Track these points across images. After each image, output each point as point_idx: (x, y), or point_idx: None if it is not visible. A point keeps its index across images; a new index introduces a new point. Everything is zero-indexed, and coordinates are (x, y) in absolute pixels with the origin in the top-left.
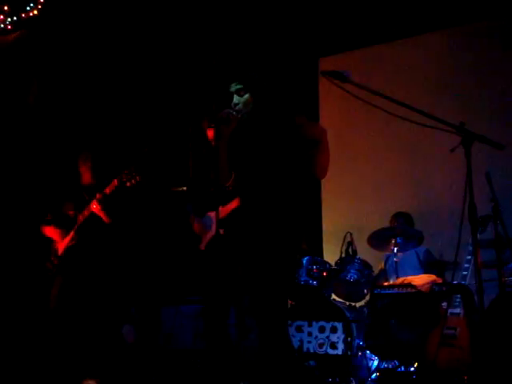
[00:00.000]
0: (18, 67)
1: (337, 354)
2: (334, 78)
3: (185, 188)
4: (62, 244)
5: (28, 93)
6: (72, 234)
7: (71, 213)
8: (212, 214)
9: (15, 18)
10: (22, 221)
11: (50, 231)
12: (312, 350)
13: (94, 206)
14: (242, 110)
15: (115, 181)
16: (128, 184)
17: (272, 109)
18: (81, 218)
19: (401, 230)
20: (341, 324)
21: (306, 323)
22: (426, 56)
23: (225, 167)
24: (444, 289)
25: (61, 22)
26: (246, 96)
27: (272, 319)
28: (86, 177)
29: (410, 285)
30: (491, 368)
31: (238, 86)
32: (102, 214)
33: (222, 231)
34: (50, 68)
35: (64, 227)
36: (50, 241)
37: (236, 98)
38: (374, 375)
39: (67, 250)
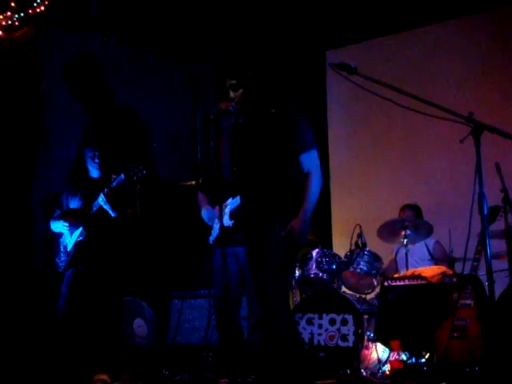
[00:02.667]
0: (26, 64)
1: (347, 346)
2: (341, 70)
3: (193, 182)
4: (70, 239)
5: (36, 90)
6: (81, 228)
7: (80, 207)
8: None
9: (22, 15)
10: (30, 216)
11: (59, 226)
12: (323, 343)
13: (102, 201)
14: (237, 104)
15: (122, 175)
16: (135, 178)
17: (265, 107)
18: (89, 212)
19: (410, 221)
20: (351, 316)
21: (316, 316)
22: (433, 47)
23: (226, 160)
24: (454, 280)
25: (66, 17)
26: (240, 91)
27: (277, 311)
28: (95, 171)
29: (420, 276)
30: (502, 359)
31: (232, 82)
32: (109, 208)
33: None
34: (58, 63)
35: (72, 222)
36: (60, 236)
37: (231, 93)
38: (384, 367)
39: (76, 244)
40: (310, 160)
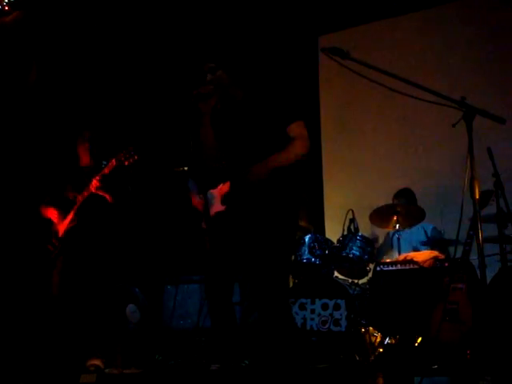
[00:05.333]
0: (17, 48)
1: (340, 331)
2: (333, 55)
3: (186, 168)
4: (62, 225)
5: (27, 74)
6: (72, 215)
7: (70, 194)
8: (215, 191)
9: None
10: (22, 203)
11: (50, 213)
12: (315, 328)
13: (94, 187)
14: (215, 87)
15: (113, 161)
16: (126, 163)
17: (246, 87)
18: (80, 198)
19: (402, 206)
20: (344, 301)
21: (309, 301)
22: (425, 31)
23: (211, 145)
24: (446, 264)
25: (58, 2)
26: (219, 73)
27: (272, 297)
28: (85, 158)
29: (412, 261)
30: (493, 342)
31: (211, 65)
32: (102, 194)
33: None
34: (48, 49)
35: (64, 209)
36: (50, 222)
37: (209, 76)
38: (377, 351)
39: (68, 231)
40: (294, 130)
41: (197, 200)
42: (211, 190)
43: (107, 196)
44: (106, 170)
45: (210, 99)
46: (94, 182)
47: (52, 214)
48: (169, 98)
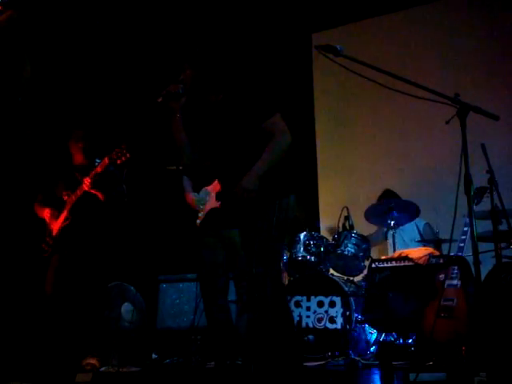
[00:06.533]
0: (10, 47)
1: (336, 328)
2: (327, 52)
3: (180, 167)
4: (55, 224)
5: (20, 73)
6: (65, 214)
7: (64, 193)
8: (209, 188)
9: None
10: (15, 202)
11: (44, 212)
12: (311, 325)
13: (87, 185)
14: (185, 86)
15: (106, 159)
16: (119, 161)
17: (213, 88)
18: (73, 197)
19: (396, 203)
20: (339, 298)
21: (304, 298)
22: (418, 28)
23: (182, 144)
24: (441, 261)
25: (52, 1)
26: (188, 72)
27: (265, 295)
28: (78, 157)
29: (407, 258)
30: (488, 339)
31: (185, 64)
32: (95, 192)
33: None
34: (42, 47)
35: (57, 207)
36: (44, 222)
37: (182, 75)
38: (372, 348)
39: (61, 230)
40: (270, 125)
41: (191, 197)
42: (206, 187)
43: (99, 194)
44: (99, 169)
45: (180, 98)
46: (87, 181)
47: (45, 213)
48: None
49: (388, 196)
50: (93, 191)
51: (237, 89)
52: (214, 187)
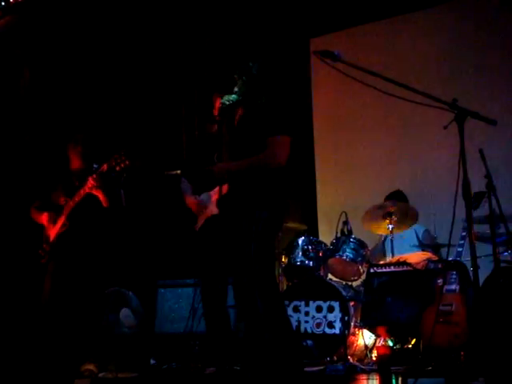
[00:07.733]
0: (8, 53)
1: (334, 333)
2: (325, 58)
3: (179, 172)
4: (53, 230)
5: (19, 78)
6: (63, 219)
7: (61, 198)
8: (211, 192)
9: (3, 4)
10: (12, 207)
11: (41, 217)
12: (309, 330)
13: (90, 186)
14: (238, 96)
15: (105, 165)
16: (117, 168)
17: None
18: (71, 203)
19: (395, 208)
20: (338, 303)
21: (303, 303)
22: (416, 34)
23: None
24: (439, 266)
25: (49, 6)
26: (240, 83)
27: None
28: (75, 161)
29: (405, 262)
30: (487, 343)
31: (236, 74)
32: (97, 193)
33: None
34: (40, 53)
35: (55, 213)
36: (41, 227)
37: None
38: (371, 353)
39: (59, 236)
40: (271, 142)
41: (191, 200)
42: (208, 192)
43: (101, 195)
44: (97, 175)
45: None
46: (90, 181)
47: (43, 218)
48: (161, 101)
49: (394, 198)
50: (94, 191)
51: (259, 103)
52: (215, 193)
